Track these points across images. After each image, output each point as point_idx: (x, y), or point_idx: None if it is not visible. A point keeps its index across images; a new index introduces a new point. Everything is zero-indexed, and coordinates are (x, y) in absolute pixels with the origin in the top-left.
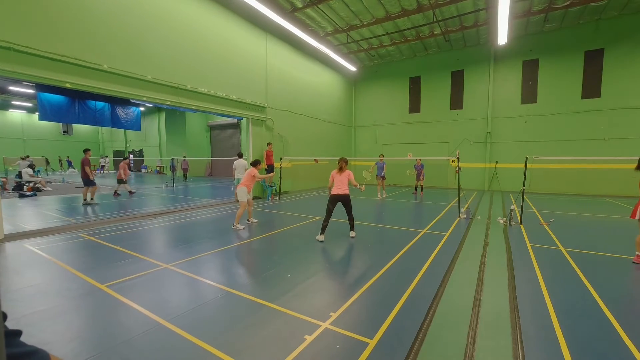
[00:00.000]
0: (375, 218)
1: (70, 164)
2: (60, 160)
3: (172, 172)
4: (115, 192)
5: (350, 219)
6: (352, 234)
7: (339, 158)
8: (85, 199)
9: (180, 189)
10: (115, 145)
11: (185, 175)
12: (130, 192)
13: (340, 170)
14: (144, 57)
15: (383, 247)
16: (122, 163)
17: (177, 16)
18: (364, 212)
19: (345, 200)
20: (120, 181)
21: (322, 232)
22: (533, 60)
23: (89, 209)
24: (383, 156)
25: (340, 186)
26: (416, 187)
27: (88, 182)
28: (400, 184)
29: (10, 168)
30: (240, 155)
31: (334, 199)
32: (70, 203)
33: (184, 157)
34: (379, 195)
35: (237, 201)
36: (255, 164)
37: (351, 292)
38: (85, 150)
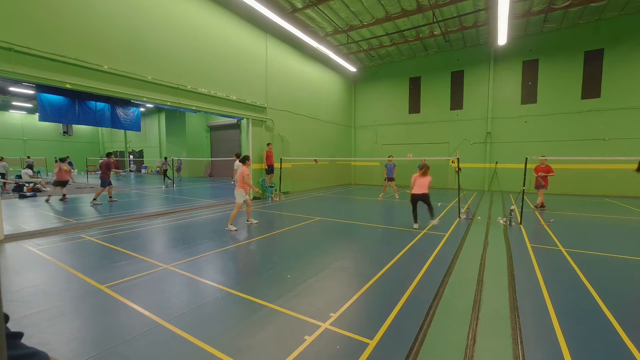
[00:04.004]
0: (376, 218)
1: (70, 165)
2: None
3: (178, 172)
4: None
5: (430, 208)
6: (434, 221)
7: (421, 163)
8: (110, 197)
9: (180, 190)
10: (115, 146)
11: (165, 176)
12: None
13: (424, 174)
14: (144, 58)
15: (383, 247)
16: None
17: (177, 17)
18: (365, 212)
19: (424, 198)
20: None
21: (415, 221)
22: (533, 61)
23: (89, 209)
24: (392, 157)
25: (421, 187)
26: None
27: (104, 183)
28: (398, 185)
29: (11, 169)
30: (237, 156)
31: (415, 198)
32: (70, 204)
33: (165, 158)
34: (395, 195)
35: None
36: (244, 160)
37: (351, 293)
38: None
